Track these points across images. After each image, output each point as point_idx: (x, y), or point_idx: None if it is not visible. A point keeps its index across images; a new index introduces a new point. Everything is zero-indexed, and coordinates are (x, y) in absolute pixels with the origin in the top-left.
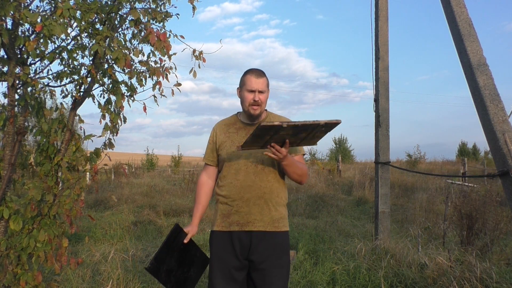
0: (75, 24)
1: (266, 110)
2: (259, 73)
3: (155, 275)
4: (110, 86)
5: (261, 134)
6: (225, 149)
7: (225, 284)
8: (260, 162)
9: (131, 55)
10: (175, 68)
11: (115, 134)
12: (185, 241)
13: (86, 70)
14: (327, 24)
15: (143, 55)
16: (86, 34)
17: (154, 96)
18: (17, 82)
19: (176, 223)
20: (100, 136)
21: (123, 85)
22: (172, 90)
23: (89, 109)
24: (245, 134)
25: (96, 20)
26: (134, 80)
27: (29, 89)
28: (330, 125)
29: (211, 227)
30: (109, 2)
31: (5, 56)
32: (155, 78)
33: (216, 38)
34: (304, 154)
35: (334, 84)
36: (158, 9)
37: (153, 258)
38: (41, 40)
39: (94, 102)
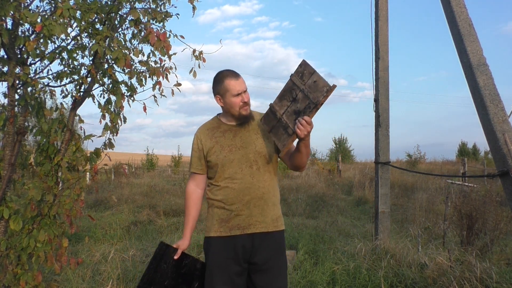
0: (75, 24)
1: None
2: (235, 74)
3: None
4: (110, 86)
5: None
6: (215, 155)
7: None
8: (254, 163)
9: (131, 55)
10: (175, 68)
11: (115, 134)
12: (176, 257)
13: (86, 70)
14: (325, 26)
15: (143, 55)
16: (86, 34)
17: (154, 96)
18: (17, 82)
19: (161, 241)
20: (100, 136)
21: (123, 85)
22: (172, 90)
23: (89, 109)
24: (232, 136)
25: (96, 20)
26: (134, 80)
27: (29, 89)
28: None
29: (206, 233)
30: (109, 2)
31: (5, 56)
32: (155, 78)
33: (216, 40)
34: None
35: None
36: (158, 9)
37: (140, 279)
38: (41, 40)
39: (94, 102)
